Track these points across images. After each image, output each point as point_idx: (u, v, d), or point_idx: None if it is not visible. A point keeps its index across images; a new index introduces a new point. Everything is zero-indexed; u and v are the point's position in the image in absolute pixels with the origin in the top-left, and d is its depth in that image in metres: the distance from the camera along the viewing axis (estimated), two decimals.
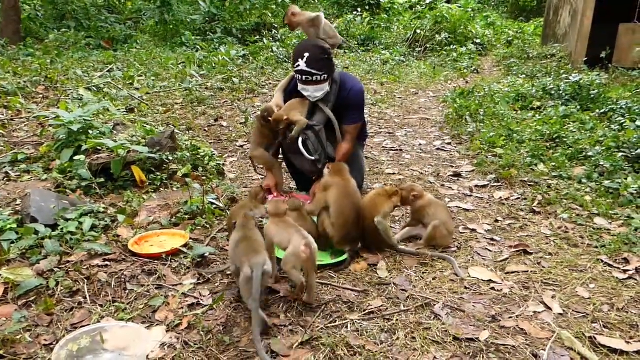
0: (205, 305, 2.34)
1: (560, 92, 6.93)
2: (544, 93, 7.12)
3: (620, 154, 4.31)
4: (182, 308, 2.32)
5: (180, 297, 2.40)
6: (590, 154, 4.46)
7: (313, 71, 3.31)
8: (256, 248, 2.25)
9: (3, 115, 5.14)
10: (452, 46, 13.66)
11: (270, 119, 3.44)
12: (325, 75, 3.36)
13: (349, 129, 3.57)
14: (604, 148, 4.51)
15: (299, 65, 3.32)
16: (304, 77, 3.35)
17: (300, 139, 3.39)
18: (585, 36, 9.91)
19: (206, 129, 5.86)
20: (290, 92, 3.67)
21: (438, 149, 5.46)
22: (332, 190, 2.92)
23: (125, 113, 5.50)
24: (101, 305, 2.31)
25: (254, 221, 2.46)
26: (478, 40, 14.91)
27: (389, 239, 2.91)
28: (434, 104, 8.19)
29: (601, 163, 4.20)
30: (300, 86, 3.44)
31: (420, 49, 13.97)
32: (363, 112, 3.73)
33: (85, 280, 2.46)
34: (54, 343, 2.00)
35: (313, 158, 3.38)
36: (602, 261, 2.84)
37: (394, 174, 4.53)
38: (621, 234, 3.11)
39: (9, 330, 2.05)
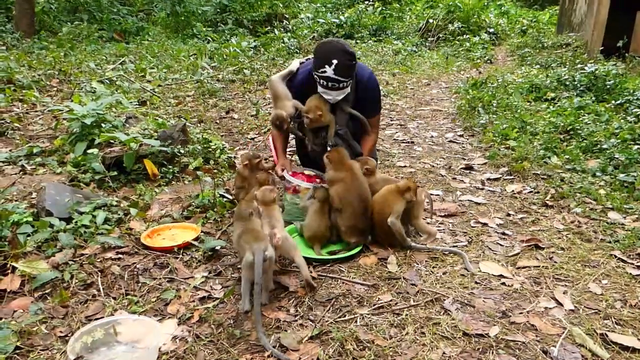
0: (217, 299, 2.37)
1: (575, 82, 6.82)
2: (558, 84, 7.00)
3: (636, 147, 4.24)
4: (194, 301, 2.35)
5: (191, 290, 2.43)
6: (605, 146, 4.40)
7: (341, 79, 3.06)
8: (257, 236, 2.34)
9: (18, 108, 5.21)
10: (465, 36, 13.48)
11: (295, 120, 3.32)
12: (351, 80, 3.18)
13: (371, 121, 3.50)
14: (619, 140, 4.45)
15: (325, 72, 3.04)
16: (329, 84, 3.10)
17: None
18: (602, 25, 9.70)
19: (217, 121, 5.88)
20: (300, 93, 3.38)
21: (450, 141, 5.41)
22: (337, 185, 2.95)
23: (137, 106, 5.55)
24: (114, 298, 2.35)
25: (250, 212, 2.52)
26: (491, 30, 14.68)
27: (403, 240, 2.89)
28: (446, 95, 8.11)
29: (616, 156, 4.13)
30: (320, 89, 3.21)
31: (432, 39, 13.82)
32: (381, 101, 3.61)
33: (99, 273, 2.51)
34: (69, 335, 2.05)
35: None
36: (616, 256, 2.80)
37: (405, 166, 4.51)
38: (635, 229, 3.07)
39: (25, 322, 2.10)
